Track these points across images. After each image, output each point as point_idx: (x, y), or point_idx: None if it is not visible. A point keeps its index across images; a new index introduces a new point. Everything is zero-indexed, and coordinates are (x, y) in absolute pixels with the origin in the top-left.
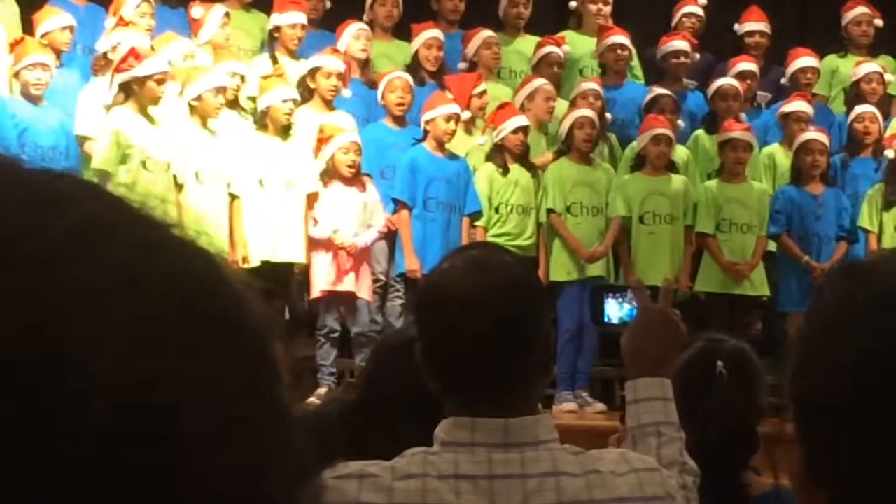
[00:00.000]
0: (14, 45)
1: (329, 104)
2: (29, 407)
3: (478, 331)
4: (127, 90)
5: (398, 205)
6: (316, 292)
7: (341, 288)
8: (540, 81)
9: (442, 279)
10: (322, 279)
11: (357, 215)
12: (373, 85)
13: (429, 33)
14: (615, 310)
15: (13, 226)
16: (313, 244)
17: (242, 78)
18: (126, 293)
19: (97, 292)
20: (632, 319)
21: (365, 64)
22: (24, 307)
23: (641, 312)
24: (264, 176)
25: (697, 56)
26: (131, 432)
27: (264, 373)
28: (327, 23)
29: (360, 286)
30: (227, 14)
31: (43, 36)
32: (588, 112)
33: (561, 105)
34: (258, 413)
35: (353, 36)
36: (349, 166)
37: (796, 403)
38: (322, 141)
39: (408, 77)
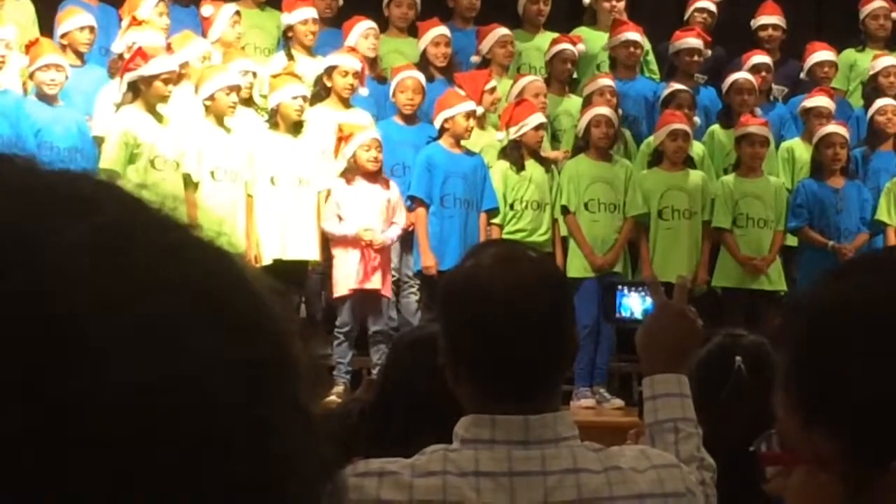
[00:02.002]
0: (29, 46)
1: (346, 102)
2: (48, 409)
3: (506, 328)
4: (135, 89)
5: (414, 202)
6: (343, 290)
7: (369, 286)
8: (527, 79)
9: (469, 276)
10: (351, 277)
11: (381, 213)
12: (382, 81)
13: (435, 31)
14: (637, 303)
15: (33, 229)
16: (337, 242)
17: (254, 75)
18: (146, 296)
19: (117, 295)
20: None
21: (373, 61)
22: (45, 310)
23: (657, 309)
24: (276, 174)
25: (709, 52)
26: (151, 435)
27: (286, 373)
28: (340, 21)
29: (385, 284)
30: (237, 13)
31: (63, 36)
32: (606, 110)
33: (576, 102)
34: (280, 414)
35: (361, 35)
36: (372, 162)
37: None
38: (342, 139)
39: (419, 76)
